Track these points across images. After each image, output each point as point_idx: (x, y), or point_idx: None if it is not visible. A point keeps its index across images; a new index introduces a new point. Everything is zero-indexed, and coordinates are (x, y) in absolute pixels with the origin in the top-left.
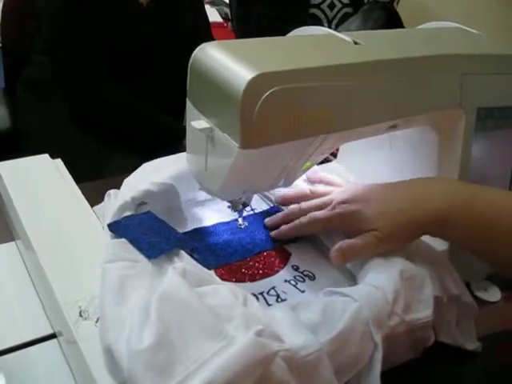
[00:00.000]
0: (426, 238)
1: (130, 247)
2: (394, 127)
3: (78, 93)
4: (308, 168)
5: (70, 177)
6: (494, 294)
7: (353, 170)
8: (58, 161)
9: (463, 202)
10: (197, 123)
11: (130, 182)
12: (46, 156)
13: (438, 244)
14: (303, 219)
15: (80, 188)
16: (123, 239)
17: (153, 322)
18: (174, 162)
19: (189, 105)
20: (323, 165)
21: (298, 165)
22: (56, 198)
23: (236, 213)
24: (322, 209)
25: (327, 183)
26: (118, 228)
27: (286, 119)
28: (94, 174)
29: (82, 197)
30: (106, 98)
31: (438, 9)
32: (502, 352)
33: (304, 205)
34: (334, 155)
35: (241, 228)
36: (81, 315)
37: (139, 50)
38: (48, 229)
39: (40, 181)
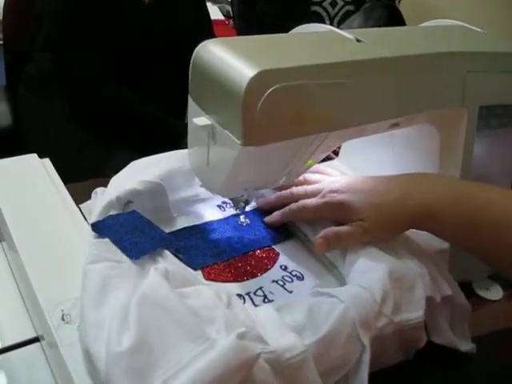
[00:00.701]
0: (427, 236)
1: (113, 247)
2: (396, 125)
3: (79, 91)
4: (310, 166)
5: (57, 177)
6: (495, 293)
7: (354, 169)
8: (46, 160)
9: (450, 196)
10: (198, 120)
11: (117, 181)
12: (34, 155)
13: (439, 242)
14: (293, 206)
15: (73, 187)
16: (106, 239)
17: (132, 325)
18: (162, 161)
19: (190, 102)
20: (325, 163)
21: (300, 162)
22: (42, 199)
23: (224, 211)
24: (312, 196)
25: (321, 173)
26: (101, 228)
27: (287, 117)
28: (95, 173)
29: (69, 197)
30: (107, 96)
31: (439, 7)
32: (501, 352)
33: (295, 190)
34: (336, 153)
35: (242, 225)
36: (63, 319)
37: (140, 48)
38: (33, 230)
39: (27, 181)
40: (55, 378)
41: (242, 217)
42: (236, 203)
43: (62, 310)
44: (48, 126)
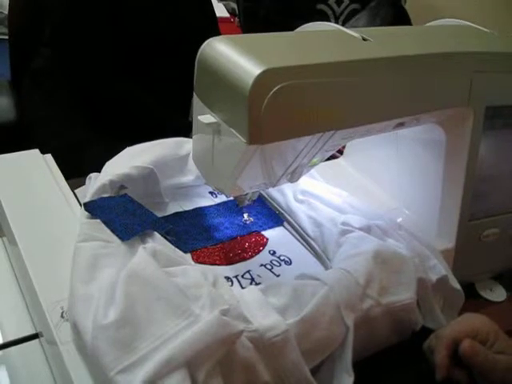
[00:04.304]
0: (430, 236)
1: (104, 228)
2: (401, 125)
3: (84, 87)
4: (315, 164)
5: (59, 172)
6: (499, 294)
7: (359, 168)
8: (48, 156)
9: None
10: (203, 118)
11: (110, 165)
12: (36, 151)
13: (443, 242)
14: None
15: (76, 183)
16: (98, 220)
17: (119, 299)
18: (156, 147)
19: (196, 99)
20: (329, 161)
21: (305, 161)
22: (44, 194)
23: (216, 198)
24: None
25: None
26: (93, 208)
27: (293, 115)
28: (97, 168)
29: (71, 193)
30: (111, 92)
31: (446, 6)
32: None
33: None
34: (341, 152)
35: (246, 223)
36: (62, 316)
37: (145, 44)
38: (34, 226)
39: (28, 176)
40: (53, 375)
41: (246, 215)
42: (240, 201)
43: (62, 308)
44: (52, 120)
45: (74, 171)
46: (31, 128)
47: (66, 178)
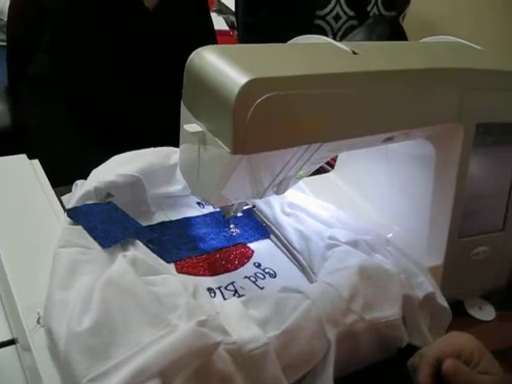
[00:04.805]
0: (419, 253)
1: (85, 234)
2: (390, 139)
3: (81, 93)
4: (302, 177)
5: (45, 178)
6: (488, 313)
7: (349, 182)
8: (35, 161)
9: None
10: (189, 127)
11: (97, 172)
12: (24, 156)
13: (432, 259)
14: None
15: (67, 190)
16: (79, 226)
17: (94, 306)
18: (145, 156)
19: (183, 108)
20: (320, 175)
21: (291, 173)
22: (28, 199)
23: (203, 208)
24: None
25: None
26: (76, 214)
27: (278, 126)
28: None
29: (56, 199)
30: (108, 99)
31: (443, 25)
32: None
33: None
34: (332, 166)
35: (232, 234)
36: (38, 322)
37: (143, 54)
38: (16, 230)
39: (14, 181)
40: (27, 382)
41: (232, 226)
42: (226, 212)
43: (38, 313)
44: (48, 127)
45: (69, 178)
46: (26, 134)
47: (61, 185)
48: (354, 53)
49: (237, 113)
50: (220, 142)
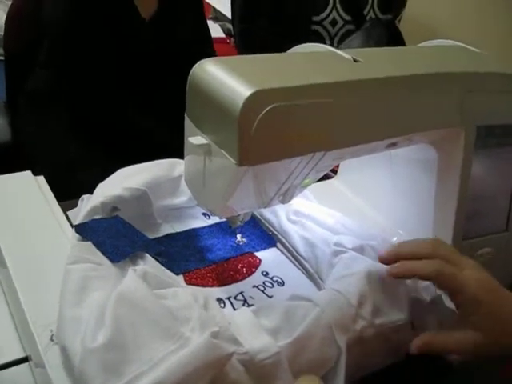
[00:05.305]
0: None
1: (95, 250)
2: (393, 145)
3: (79, 108)
4: (307, 185)
5: (51, 195)
6: None
7: (352, 187)
8: (40, 178)
9: None
10: (194, 139)
11: (103, 187)
12: (29, 173)
13: None
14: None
15: (69, 205)
16: (88, 242)
17: (108, 322)
18: (149, 168)
19: (187, 121)
20: (323, 182)
21: (297, 182)
22: (36, 217)
23: (209, 219)
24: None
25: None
26: (84, 230)
27: (283, 136)
28: (93, 189)
29: (63, 215)
30: (107, 112)
31: (439, 28)
32: (504, 373)
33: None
34: (335, 172)
35: (238, 244)
36: (52, 339)
37: (141, 64)
38: (25, 249)
39: (20, 198)
40: None
41: (239, 236)
42: (232, 222)
43: (51, 331)
44: (47, 141)
45: (69, 192)
46: (25, 149)
47: (60, 200)
48: (355, 60)
49: (242, 125)
50: (226, 154)
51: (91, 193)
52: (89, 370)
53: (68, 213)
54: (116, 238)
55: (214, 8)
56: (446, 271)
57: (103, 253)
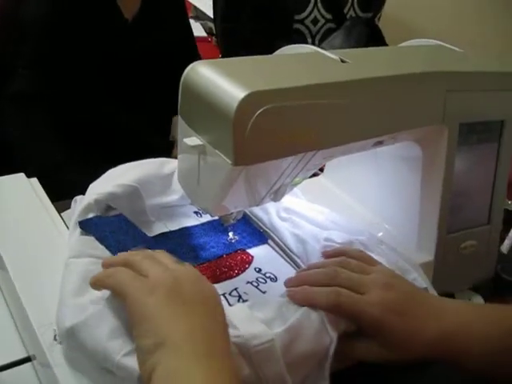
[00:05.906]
0: (409, 250)
1: (96, 244)
2: (380, 143)
3: (63, 109)
4: (298, 183)
5: (45, 196)
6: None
7: (339, 184)
8: (34, 180)
9: None
10: (189, 140)
11: (95, 186)
12: (22, 175)
13: (424, 255)
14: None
15: (62, 205)
16: (89, 237)
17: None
18: (140, 167)
19: (181, 122)
20: (310, 179)
21: (288, 180)
22: (31, 218)
23: (201, 217)
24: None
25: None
26: (88, 225)
27: (277, 136)
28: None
29: (58, 216)
30: (92, 113)
31: (418, 25)
32: None
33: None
34: (321, 169)
35: (231, 242)
36: (55, 339)
37: (124, 65)
38: (23, 250)
39: (15, 200)
40: None
41: (231, 234)
42: (225, 220)
43: (54, 330)
44: (32, 143)
45: (56, 194)
46: (11, 151)
47: (51, 201)
48: (343, 61)
49: (237, 126)
50: (221, 154)
51: (81, 193)
52: (101, 335)
53: (62, 214)
54: (118, 233)
55: (195, 7)
56: (343, 300)
57: (106, 246)
